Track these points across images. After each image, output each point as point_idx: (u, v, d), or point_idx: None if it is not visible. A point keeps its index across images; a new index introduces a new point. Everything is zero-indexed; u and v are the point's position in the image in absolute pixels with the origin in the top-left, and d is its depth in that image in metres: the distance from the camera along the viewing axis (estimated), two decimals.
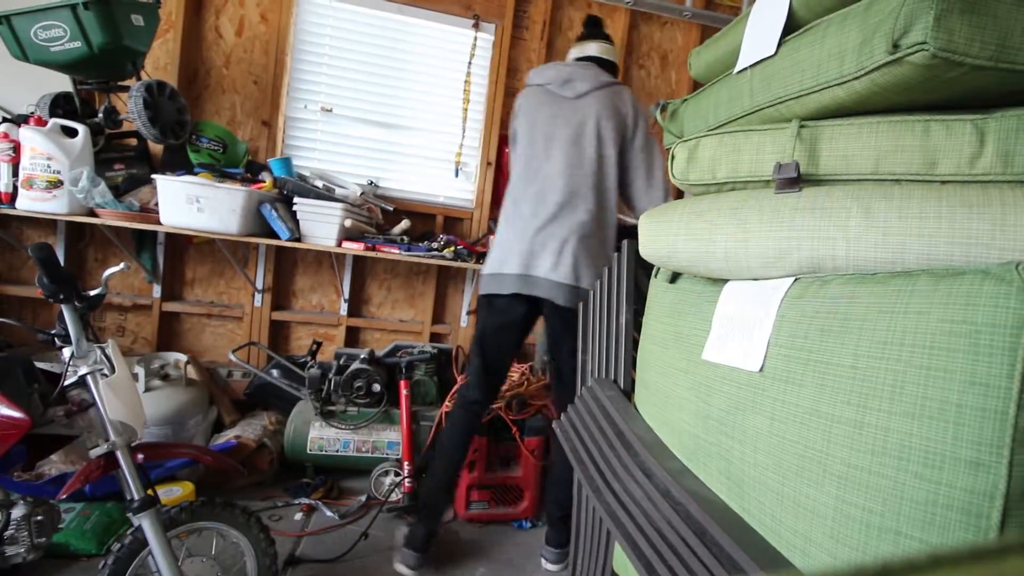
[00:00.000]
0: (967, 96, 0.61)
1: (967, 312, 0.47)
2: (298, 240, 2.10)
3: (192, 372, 2.23)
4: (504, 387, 2.12)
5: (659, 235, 0.86)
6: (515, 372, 2.29)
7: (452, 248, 2.26)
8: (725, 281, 0.80)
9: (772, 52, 0.72)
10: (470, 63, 2.54)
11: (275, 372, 2.24)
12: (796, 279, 0.68)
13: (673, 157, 0.84)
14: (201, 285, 2.46)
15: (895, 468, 0.51)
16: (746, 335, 0.69)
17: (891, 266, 0.59)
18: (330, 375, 2.09)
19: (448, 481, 1.74)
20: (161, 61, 2.28)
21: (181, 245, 2.41)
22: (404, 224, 2.36)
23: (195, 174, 2.01)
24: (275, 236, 2.10)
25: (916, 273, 0.55)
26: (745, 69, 0.79)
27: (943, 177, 0.61)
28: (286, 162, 2.20)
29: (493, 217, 2.64)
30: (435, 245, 2.27)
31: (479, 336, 1.75)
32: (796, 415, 0.61)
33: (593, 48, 1.84)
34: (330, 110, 2.48)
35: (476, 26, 2.52)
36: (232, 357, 2.06)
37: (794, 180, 0.67)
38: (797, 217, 0.66)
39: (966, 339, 0.47)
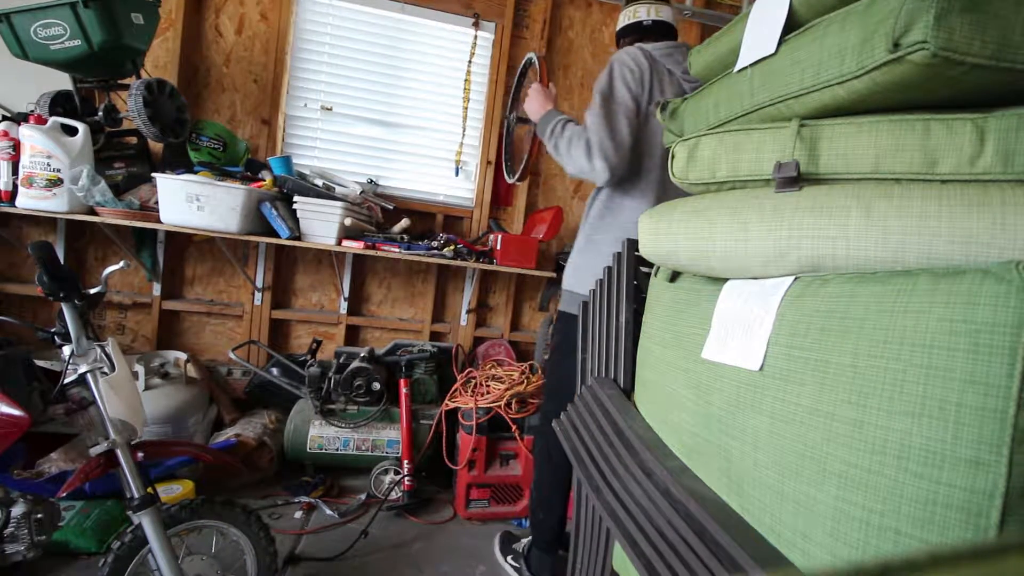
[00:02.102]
0: (968, 95, 0.61)
1: (967, 311, 0.47)
2: (298, 239, 2.10)
3: (192, 370, 2.23)
4: (504, 386, 2.13)
5: (659, 234, 0.86)
6: (515, 370, 2.29)
7: (452, 247, 2.26)
8: (725, 280, 0.80)
9: (772, 51, 0.72)
10: (470, 62, 2.54)
11: (275, 370, 2.24)
12: (796, 278, 0.68)
13: (673, 156, 0.83)
14: (201, 283, 2.46)
15: (895, 467, 0.51)
16: (746, 334, 0.69)
17: (891, 265, 0.59)
18: (330, 373, 2.09)
19: (565, 511, 1.65)
20: (161, 60, 2.28)
21: (181, 243, 2.41)
22: (404, 223, 2.36)
23: (195, 172, 2.01)
24: (275, 234, 2.10)
25: (916, 272, 0.54)
26: (745, 68, 0.78)
27: (943, 176, 0.61)
28: (286, 160, 2.20)
29: (493, 216, 2.64)
30: (435, 244, 2.27)
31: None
32: (796, 414, 0.61)
33: (669, 14, 1.58)
34: (330, 109, 2.48)
35: (476, 25, 2.52)
36: (232, 355, 2.06)
37: (794, 179, 0.67)
38: (797, 216, 0.66)
39: (966, 338, 0.47)
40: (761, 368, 0.66)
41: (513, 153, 2.05)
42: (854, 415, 0.55)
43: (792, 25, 0.73)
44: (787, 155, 0.67)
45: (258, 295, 2.45)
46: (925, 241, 0.57)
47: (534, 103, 1.58)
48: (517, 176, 1.83)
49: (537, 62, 1.69)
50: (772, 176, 0.69)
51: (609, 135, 1.37)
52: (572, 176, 1.46)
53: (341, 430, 2.08)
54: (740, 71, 0.80)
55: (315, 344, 2.25)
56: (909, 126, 0.61)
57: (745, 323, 0.70)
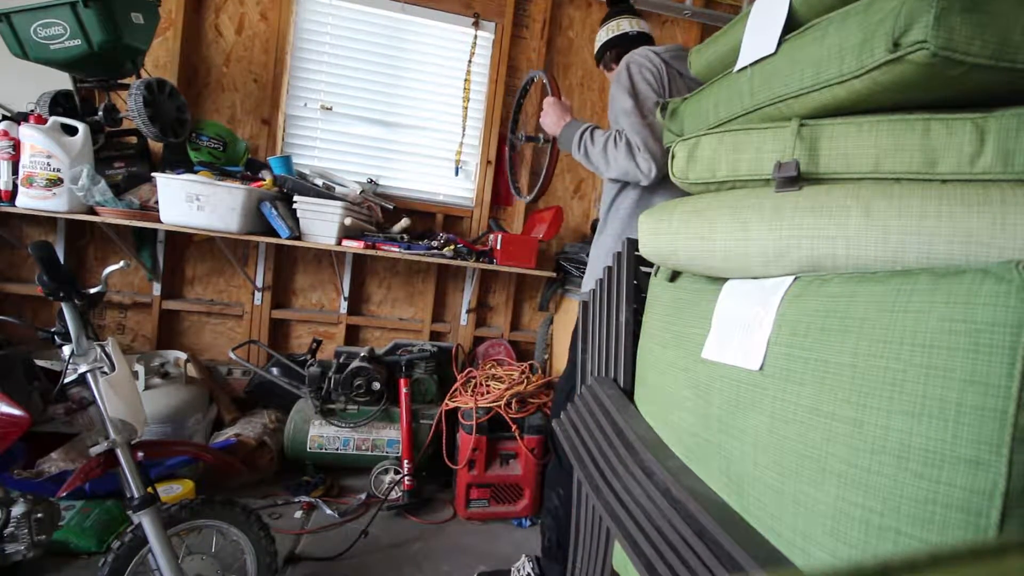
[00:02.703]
0: (968, 95, 0.61)
1: (967, 311, 0.47)
2: (298, 238, 2.10)
3: (192, 370, 2.23)
4: (504, 386, 2.13)
5: (659, 234, 0.86)
6: (515, 370, 2.29)
7: (452, 246, 2.26)
8: (725, 279, 0.80)
9: (772, 51, 0.72)
10: (470, 61, 2.54)
11: (275, 370, 2.24)
12: (796, 278, 0.68)
13: (673, 156, 0.83)
14: (201, 283, 2.46)
15: (895, 467, 0.51)
16: (746, 334, 0.69)
17: (891, 265, 0.59)
18: (330, 373, 2.09)
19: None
20: (161, 59, 2.28)
21: (181, 243, 2.41)
22: (404, 222, 2.36)
23: (195, 172, 2.01)
24: (275, 234, 2.10)
25: (916, 272, 0.54)
26: (745, 68, 0.78)
27: (943, 176, 0.61)
28: (286, 160, 2.20)
29: (493, 216, 2.64)
30: (435, 243, 2.27)
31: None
32: (796, 414, 0.61)
33: (647, 26, 1.72)
34: (330, 108, 2.48)
35: (476, 24, 2.52)
36: (232, 355, 2.06)
37: (794, 179, 0.67)
38: (797, 216, 0.66)
39: (966, 338, 0.47)
40: (761, 368, 0.66)
41: (518, 172, 2.06)
42: (854, 415, 0.55)
43: (792, 25, 0.73)
44: (787, 155, 0.68)
45: (258, 295, 2.45)
46: (925, 241, 0.57)
47: (551, 116, 1.60)
48: (534, 195, 1.86)
49: (546, 78, 1.72)
50: (772, 176, 0.69)
51: (652, 134, 1.39)
52: (611, 179, 1.50)
53: (341, 430, 2.08)
54: (740, 71, 0.80)
55: (315, 344, 2.25)
56: (909, 126, 0.61)
57: (745, 323, 0.70)
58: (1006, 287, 0.46)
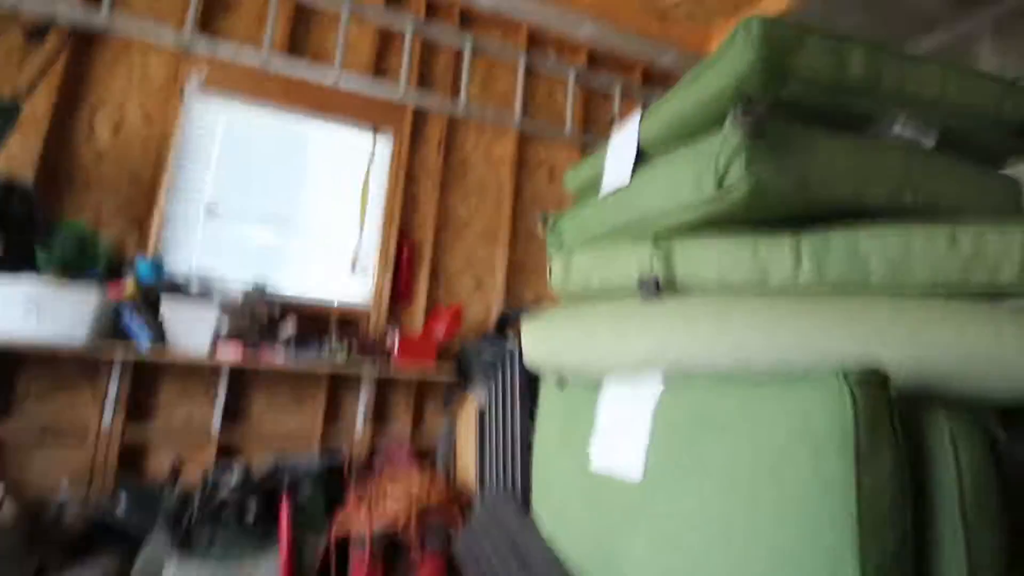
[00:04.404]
0: (789, 215, 0.72)
1: (805, 420, 0.52)
2: (163, 348, 1.88)
3: (7, 509, 1.81)
4: (404, 502, 1.95)
5: (541, 342, 0.89)
6: (415, 481, 2.13)
7: (346, 351, 2.15)
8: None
9: (627, 183, 0.82)
10: (369, 167, 2.61)
11: (124, 502, 1.88)
12: (667, 383, 0.72)
13: (551, 269, 0.88)
14: (37, 401, 2.08)
15: (767, 563, 0.52)
16: (625, 443, 0.70)
17: (744, 370, 0.65)
18: (194, 502, 1.80)
19: None
20: (18, 157, 2.07)
21: (14, 357, 2.05)
22: (291, 327, 2.22)
23: (41, 274, 1.78)
24: (136, 343, 1.87)
25: (765, 380, 0.60)
26: (607, 195, 0.88)
27: (775, 287, 0.69)
28: (157, 263, 2.03)
29: (392, 314, 2.58)
30: (327, 348, 2.15)
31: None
32: (678, 523, 0.61)
33: None
34: (214, 209, 2.37)
35: (375, 133, 2.63)
36: (64, 488, 1.71)
37: (656, 290, 0.74)
38: (663, 323, 0.72)
39: (806, 445, 0.51)
40: (642, 478, 0.67)
41: None
42: (727, 519, 0.56)
43: (643, 157, 0.84)
44: (647, 270, 0.74)
45: (108, 414, 2.10)
46: (766, 348, 0.63)
47: None
48: None
49: None
50: (636, 289, 0.75)
51: None
52: None
53: (204, 569, 1.75)
54: (603, 197, 0.89)
55: (176, 468, 1.94)
56: (742, 244, 0.71)
57: (624, 432, 0.72)
58: (834, 396, 0.51)
